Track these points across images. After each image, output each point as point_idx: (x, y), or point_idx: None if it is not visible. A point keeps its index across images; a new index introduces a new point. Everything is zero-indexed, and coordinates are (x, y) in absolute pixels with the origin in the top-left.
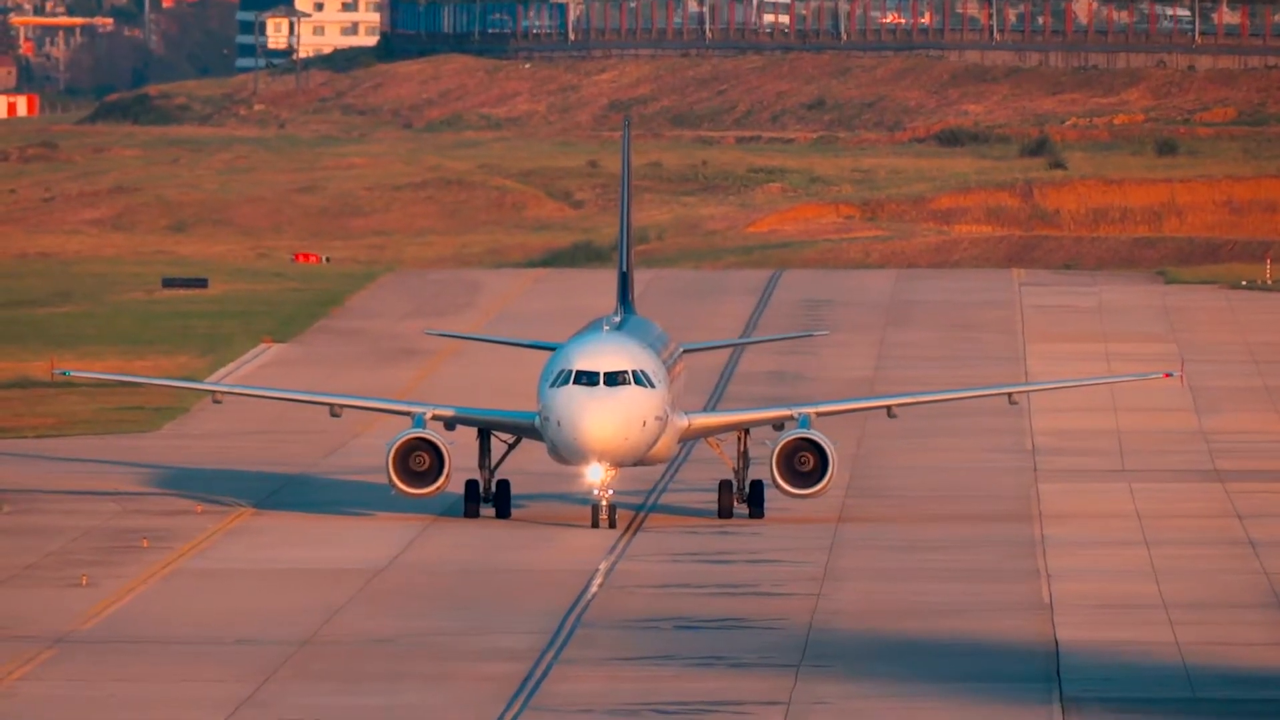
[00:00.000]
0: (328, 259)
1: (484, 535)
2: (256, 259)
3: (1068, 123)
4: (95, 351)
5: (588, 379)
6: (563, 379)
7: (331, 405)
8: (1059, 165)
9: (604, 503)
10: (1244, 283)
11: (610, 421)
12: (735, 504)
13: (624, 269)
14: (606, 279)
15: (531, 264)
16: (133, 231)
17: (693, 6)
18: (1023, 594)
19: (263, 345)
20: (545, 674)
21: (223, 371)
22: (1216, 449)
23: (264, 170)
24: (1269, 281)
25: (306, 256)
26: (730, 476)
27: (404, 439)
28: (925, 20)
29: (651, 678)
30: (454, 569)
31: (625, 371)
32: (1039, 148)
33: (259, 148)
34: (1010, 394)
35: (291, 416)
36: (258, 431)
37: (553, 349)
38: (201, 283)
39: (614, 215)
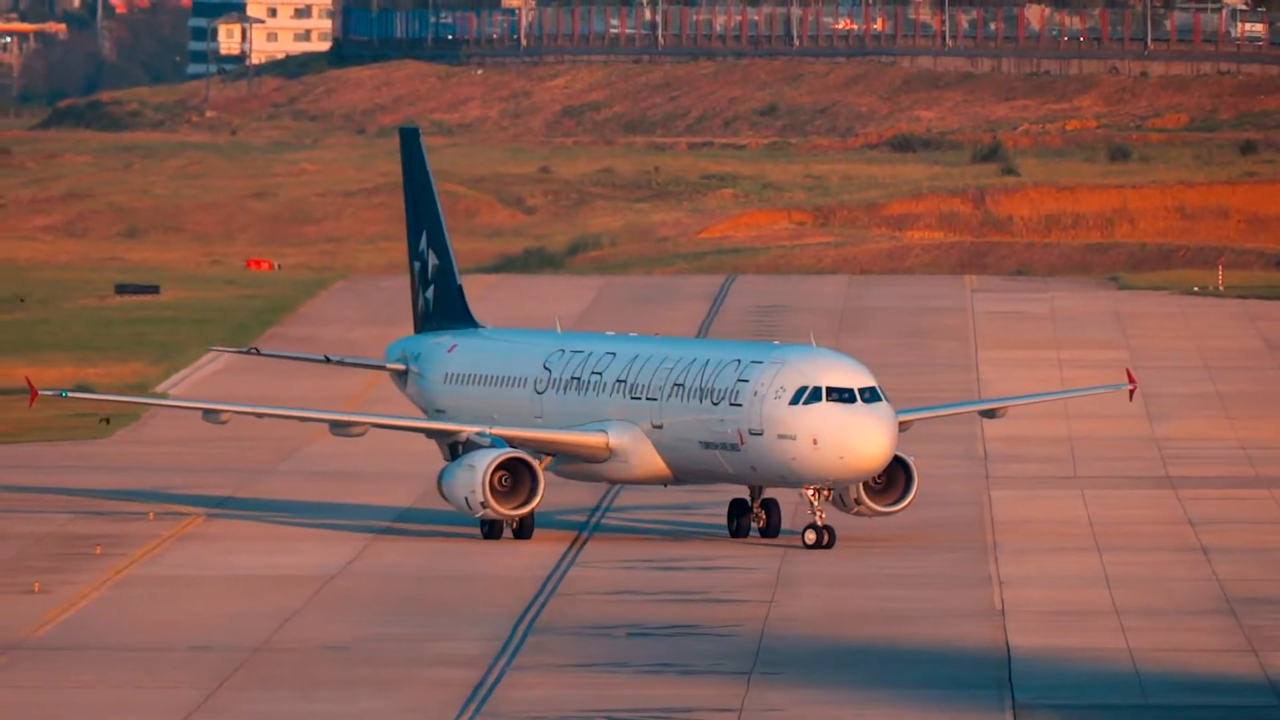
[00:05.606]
0: (279, 266)
1: (436, 542)
2: (209, 265)
3: (1020, 129)
4: (49, 358)
5: (840, 395)
6: (810, 396)
7: (365, 424)
8: (1011, 171)
9: (820, 520)
10: (1196, 288)
11: (883, 437)
12: (751, 523)
13: (458, 283)
14: (559, 285)
15: (484, 270)
16: (85, 238)
17: (645, 13)
18: (974, 601)
19: (213, 353)
20: (498, 681)
21: (176, 378)
22: (1168, 455)
23: (216, 176)
24: (1221, 287)
25: (259, 263)
26: (743, 495)
27: (500, 457)
28: (878, 26)
29: (604, 684)
30: (407, 575)
31: (874, 387)
32: (991, 154)
33: (211, 154)
34: (995, 409)
35: (243, 423)
36: (210, 438)
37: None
38: (153, 289)
39: (567, 221)
